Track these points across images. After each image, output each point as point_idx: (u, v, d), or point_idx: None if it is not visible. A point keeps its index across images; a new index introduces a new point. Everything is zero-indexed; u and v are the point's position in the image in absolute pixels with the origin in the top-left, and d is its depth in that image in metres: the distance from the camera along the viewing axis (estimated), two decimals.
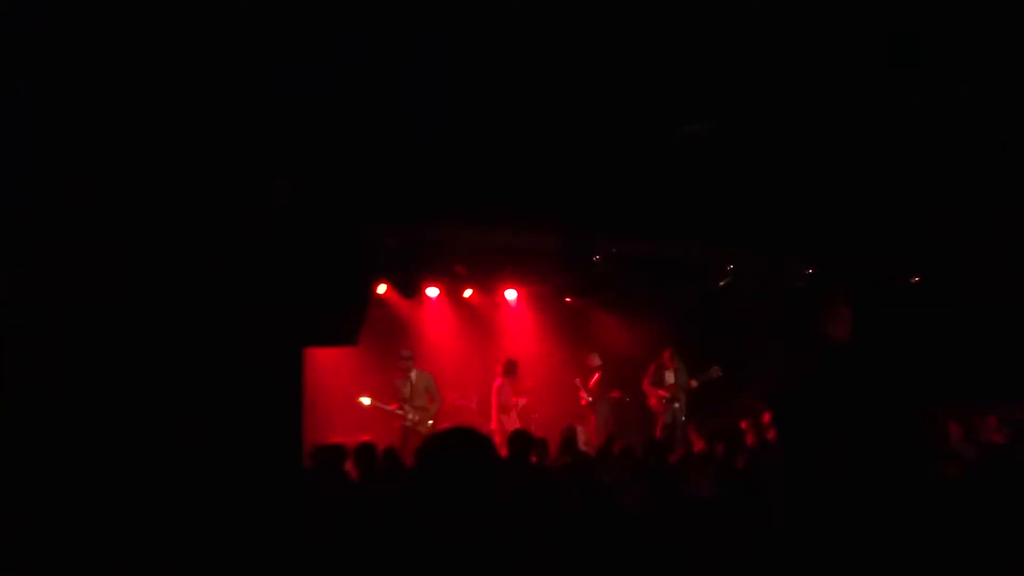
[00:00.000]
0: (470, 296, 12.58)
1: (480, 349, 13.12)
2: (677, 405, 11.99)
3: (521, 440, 7.02)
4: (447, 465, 2.36)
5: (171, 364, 5.02)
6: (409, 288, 10.43)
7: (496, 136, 6.97)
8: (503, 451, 7.92)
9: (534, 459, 7.70)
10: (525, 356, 13.27)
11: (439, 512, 2.24)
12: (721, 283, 11.58)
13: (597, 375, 12.10)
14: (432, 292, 12.10)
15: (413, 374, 10.57)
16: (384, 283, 10.96)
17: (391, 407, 10.42)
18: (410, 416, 10.23)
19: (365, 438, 10.73)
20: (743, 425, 9.90)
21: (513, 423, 11.31)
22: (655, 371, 12.10)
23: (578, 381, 12.45)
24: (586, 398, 12.23)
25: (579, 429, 11.20)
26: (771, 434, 8.73)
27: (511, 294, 12.77)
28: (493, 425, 11.38)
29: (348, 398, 10.79)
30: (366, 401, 10.12)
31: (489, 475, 2.39)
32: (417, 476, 2.32)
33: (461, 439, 2.50)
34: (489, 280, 12.07)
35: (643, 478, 6.02)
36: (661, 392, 11.98)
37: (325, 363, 11.66)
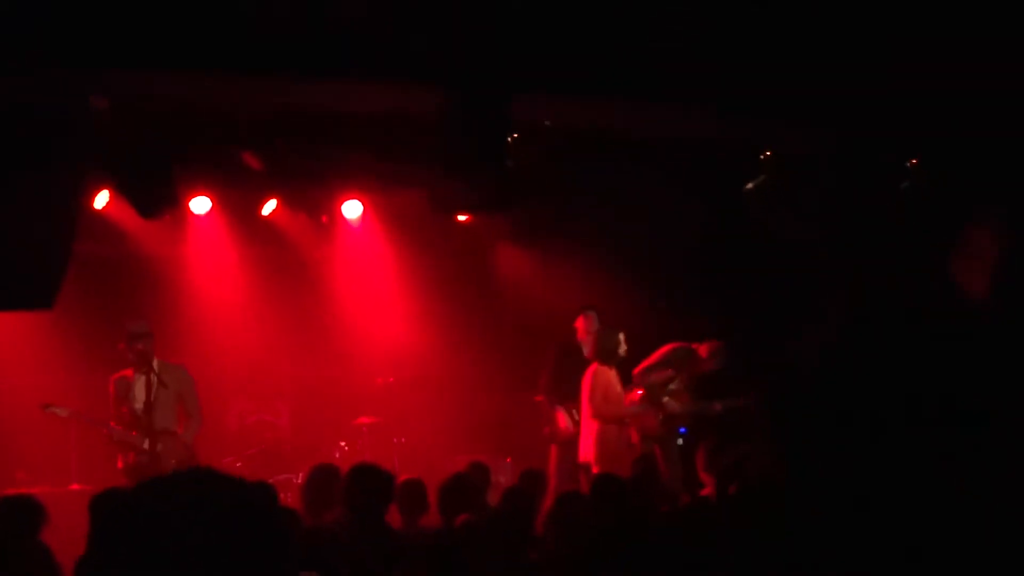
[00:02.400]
0: (273, 212, 12.61)
1: (294, 314, 13.22)
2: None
3: (362, 484, 7.05)
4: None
5: None
6: (153, 198, 10.23)
7: None
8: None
9: (400, 522, 7.88)
10: (387, 326, 13.49)
11: None
12: (749, 184, 11.47)
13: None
14: (200, 205, 12.01)
15: (155, 368, 10.42)
16: (105, 189, 10.90)
17: (113, 431, 10.29)
18: (146, 445, 10.26)
19: (74, 487, 11.11)
20: None
21: (623, 447, 11.37)
22: (673, 359, 12.16)
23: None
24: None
25: (507, 463, 11.62)
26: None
27: (352, 208, 12.85)
28: (583, 454, 11.44)
29: (39, 410, 10.74)
30: (61, 413, 10.40)
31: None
32: None
33: (189, 502, 2.40)
34: (311, 182, 11.97)
35: (596, 551, 6.32)
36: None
37: None
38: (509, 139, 10.16)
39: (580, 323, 12.23)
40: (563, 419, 12.06)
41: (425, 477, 8.62)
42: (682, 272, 12.65)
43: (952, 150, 10.78)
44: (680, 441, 11.90)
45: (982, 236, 10.59)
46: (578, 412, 11.88)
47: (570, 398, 11.98)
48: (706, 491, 9.26)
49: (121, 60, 8.57)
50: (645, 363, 12.06)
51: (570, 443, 11.90)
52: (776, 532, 6.01)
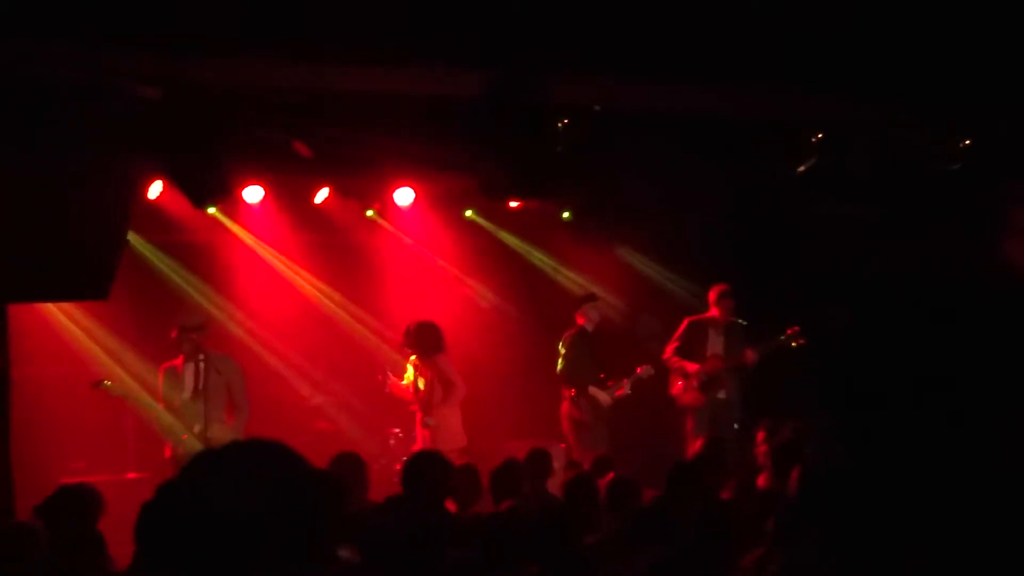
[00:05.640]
0: (325, 200, 12.58)
1: (349, 301, 13.17)
2: (723, 396, 12.16)
3: (421, 469, 7.24)
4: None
5: None
6: (206, 187, 10.20)
7: None
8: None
9: (453, 507, 7.95)
10: (439, 313, 13.31)
11: None
12: (800, 167, 11.31)
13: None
14: (252, 194, 12.01)
15: (201, 360, 10.42)
16: (159, 179, 10.91)
17: (163, 412, 10.36)
18: (196, 430, 10.27)
19: (131, 475, 11.19)
20: None
21: None
22: (688, 331, 12.36)
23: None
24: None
25: (562, 449, 11.65)
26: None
27: (404, 195, 12.77)
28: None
29: (93, 398, 10.88)
30: (114, 391, 10.56)
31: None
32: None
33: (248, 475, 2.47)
34: (362, 170, 11.84)
35: (651, 541, 6.31)
36: (692, 368, 12.22)
37: (52, 338, 11.63)
38: (559, 124, 10.10)
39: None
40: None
41: (478, 463, 8.74)
42: (722, 253, 12.77)
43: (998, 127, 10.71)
44: (736, 426, 11.98)
45: None
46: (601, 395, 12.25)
47: (590, 382, 12.30)
48: (763, 477, 9.28)
49: (171, 46, 8.53)
50: (672, 343, 12.49)
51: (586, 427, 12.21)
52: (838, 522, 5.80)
